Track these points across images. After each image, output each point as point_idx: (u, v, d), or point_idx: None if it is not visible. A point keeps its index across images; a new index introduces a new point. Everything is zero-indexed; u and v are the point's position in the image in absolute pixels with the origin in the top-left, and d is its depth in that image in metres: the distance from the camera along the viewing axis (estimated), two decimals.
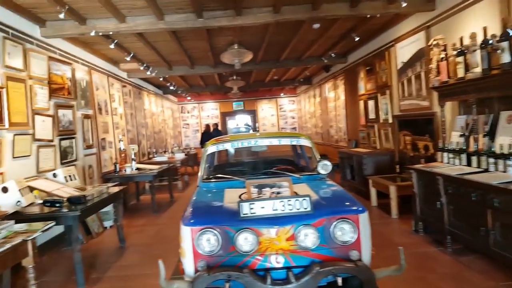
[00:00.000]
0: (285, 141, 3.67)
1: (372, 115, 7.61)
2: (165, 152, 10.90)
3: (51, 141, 4.91)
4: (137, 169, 7.04)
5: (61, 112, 5.27)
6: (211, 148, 3.70)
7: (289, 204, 2.51)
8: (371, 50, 7.46)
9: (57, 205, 3.64)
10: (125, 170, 6.94)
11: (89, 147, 6.13)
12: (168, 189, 8.20)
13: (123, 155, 7.47)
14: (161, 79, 8.95)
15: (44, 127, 4.75)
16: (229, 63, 7.04)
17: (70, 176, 4.76)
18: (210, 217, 2.64)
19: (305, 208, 2.49)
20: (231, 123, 16.60)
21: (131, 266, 4.16)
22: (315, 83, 12.67)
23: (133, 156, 7.07)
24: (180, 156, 10.19)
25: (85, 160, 5.96)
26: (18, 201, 3.46)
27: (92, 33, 4.93)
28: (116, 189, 4.75)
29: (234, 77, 10.30)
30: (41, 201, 3.66)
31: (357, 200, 2.67)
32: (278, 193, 2.82)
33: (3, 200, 3.42)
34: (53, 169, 4.73)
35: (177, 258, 4.17)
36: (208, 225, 2.52)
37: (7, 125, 3.95)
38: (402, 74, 6.17)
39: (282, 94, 16.28)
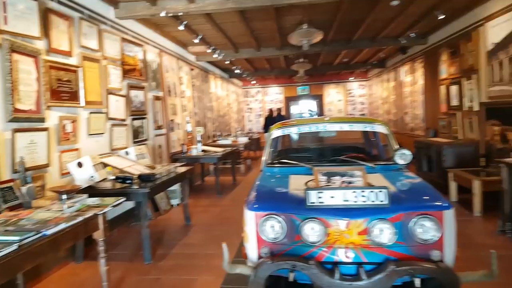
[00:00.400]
0: (358, 127, 3.39)
1: (454, 102, 6.89)
2: (229, 135, 11.01)
3: (124, 120, 5.11)
4: (203, 151, 7.16)
5: (133, 92, 5.45)
6: (276, 132, 3.56)
7: (363, 196, 2.30)
8: (456, 30, 6.70)
9: (128, 181, 3.76)
10: (191, 151, 7.10)
11: (159, 127, 6.33)
12: (231, 172, 8.26)
13: (190, 136, 7.64)
14: (227, 62, 8.97)
15: (117, 107, 4.95)
16: (296, 44, 6.77)
17: (141, 154, 4.92)
18: (274, 203, 2.52)
19: (381, 201, 2.26)
20: (295, 109, 16.35)
21: (195, 245, 4.21)
22: (389, 66, 11.87)
23: (199, 138, 7.18)
24: (243, 140, 10.22)
25: (155, 140, 6.16)
26: (92, 176, 3.62)
27: (163, 14, 4.98)
28: (183, 169, 4.83)
29: (301, 60, 9.99)
30: (113, 177, 3.81)
31: (441, 195, 2.37)
32: (350, 182, 2.60)
33: (78, 175, 3.60)
34: (126, 147, 4.92)
35: (239, 240, 4.18)
36: (272, 211, 2.41)
37: (83, 103, 4.15)
38: (492, 56, 5.45)
39: (351, 78, 15.55)
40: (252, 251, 2.43)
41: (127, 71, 5.30)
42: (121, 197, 3.09)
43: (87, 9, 4.39)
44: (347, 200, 2.30)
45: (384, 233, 2.21)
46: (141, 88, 5.73)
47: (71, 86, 3.97)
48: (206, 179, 8.54)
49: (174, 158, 6.74)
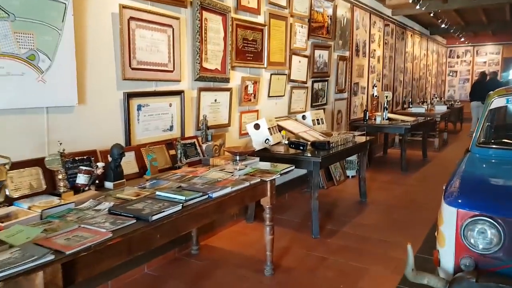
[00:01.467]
0: None
1: None
2: (423, 102, 9.60)
3: (305, 82, 4.86)
4: (388, 119, 6.37)
5: (317, 52, 5.12)
6: (497, 101, 2.66)
7: None
8: None
9: (301, 148, 3.53)
10: (374, 119, 6.43)
11: (340, 91, 5.87)
12: (422, 146, 7.16)
13: (375, 102, 6.90)
14: (431, 14, 7.53)
15: (299, 68, 4.71)
16: None
17: (318, 119, 4.63)
18: (490, 200, 1.85)
19: None
20: None
21: (370, 226, 3.72)
22: None
23: (385, 105, 6.39)
24: (441, 109, 8.72)
25: (335, 105, 5.75)
26: (267, 139, 3.52)
27: None
28: (363, 139, 4.30)
29: None
30: (286, 142, 3.63)
31: None
32: None
33: (255, 136, 3.55)
34: (303, 111, 4.69)
35: (425, 231, 3.47)
36: (485, 212, 1.75)
37: (266, 64, 4.05)
38: None
39: None
40: (447, 259, 1.87)
41: (314, 29, 4.96)
42: (291, 165, 2.85)
43: None
44: None
45: None
46: (327, 47, 5.33)
47: (255, 46, 3.90)
48: (389, 152, 7.70)
49: (354, 125, 6.22)
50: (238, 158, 2.87)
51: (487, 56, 13.20)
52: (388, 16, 7.69)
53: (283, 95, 4.46)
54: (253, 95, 3.92)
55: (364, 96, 6.84)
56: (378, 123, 6.23)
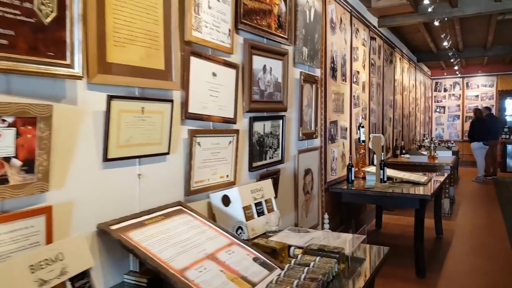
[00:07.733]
0: None
1: None
2: (419, 147, 7.29)
3: (232, 121, 2.25)
4: (389, 179, 3.89)
5: (259, 61, 2.56)
6: None
7: None
8: None
9: None
10: (363, 178, 4.00)
11: (308, 136, 3.28)
12: (434, 216, 4.66)
13: (362, 151, 4.40)
14: (437, 23, 5.24)
15: (214, 89, 2.11)
16: None
17: (258, 203, 2.02)
18: None
19: None
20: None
21: None
22: None
23: (383, 158, 3.88)
24: (445, 155, 6.41)
25: (299, 161, 3.14)
26: None
27: None
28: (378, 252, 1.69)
29: None
30: None
31: None
32: None
33: None
34: (230, 183, 2.07)
35: None
36: None
37: (78, 69, 1.37)
38: None
39: None
40: None
41: (250, 12, 2.44)
42: None
43: None
44: None
45: None
46: (279, 55, 2.80)
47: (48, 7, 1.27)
48: (384, 221, 5.14)
49: (333, 191, 3.68)
50: None
51: (479, 89, 11.29)
52: (374, 27, 5.41)
53: (167, 153, 1.79)
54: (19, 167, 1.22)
55: (346, 142, 4.33)
56: (371, 185, 3.73)
